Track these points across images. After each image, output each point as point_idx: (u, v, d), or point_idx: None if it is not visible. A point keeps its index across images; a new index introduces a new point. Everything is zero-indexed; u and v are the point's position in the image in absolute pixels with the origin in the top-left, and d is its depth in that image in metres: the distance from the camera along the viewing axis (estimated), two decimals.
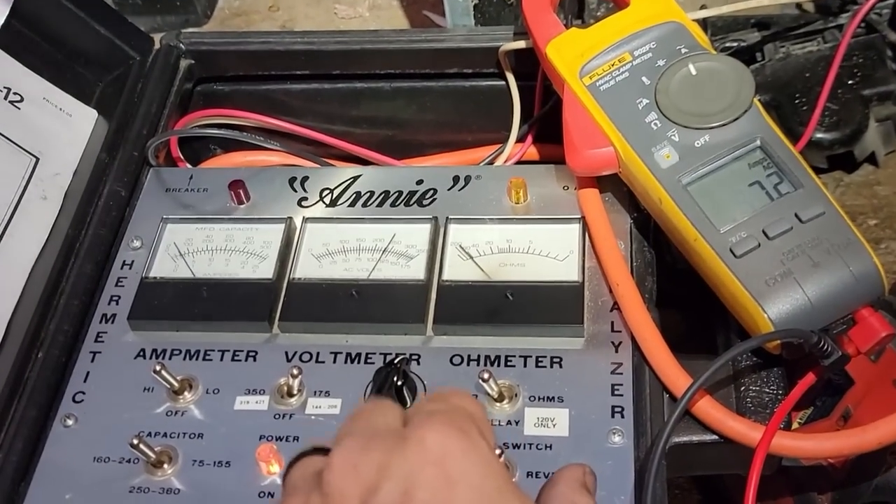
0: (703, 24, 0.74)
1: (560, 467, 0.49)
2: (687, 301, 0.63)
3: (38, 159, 0.68)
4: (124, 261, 0.65)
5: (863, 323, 0.53)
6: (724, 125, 0.57)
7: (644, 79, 0.60)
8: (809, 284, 0.52)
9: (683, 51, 0.60)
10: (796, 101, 0.77)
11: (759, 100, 0.77)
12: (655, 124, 0.58)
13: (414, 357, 0.58)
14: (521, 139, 0.74)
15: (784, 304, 0.52)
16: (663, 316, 0.60)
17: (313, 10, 1.10)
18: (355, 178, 0.67)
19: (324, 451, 0.44)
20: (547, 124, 0.73)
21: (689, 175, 0.56)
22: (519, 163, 0.74)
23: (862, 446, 0.51)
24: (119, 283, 0.64)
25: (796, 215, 0.54)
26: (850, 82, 0.77)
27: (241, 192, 0.66)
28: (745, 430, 0.52)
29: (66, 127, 0.71)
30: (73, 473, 0.55)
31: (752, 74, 0.78)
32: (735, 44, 0.80)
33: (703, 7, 0.75)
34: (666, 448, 0.51)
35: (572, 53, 0.62)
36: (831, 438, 0.51)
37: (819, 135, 0.76)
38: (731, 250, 0.54)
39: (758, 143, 0.57)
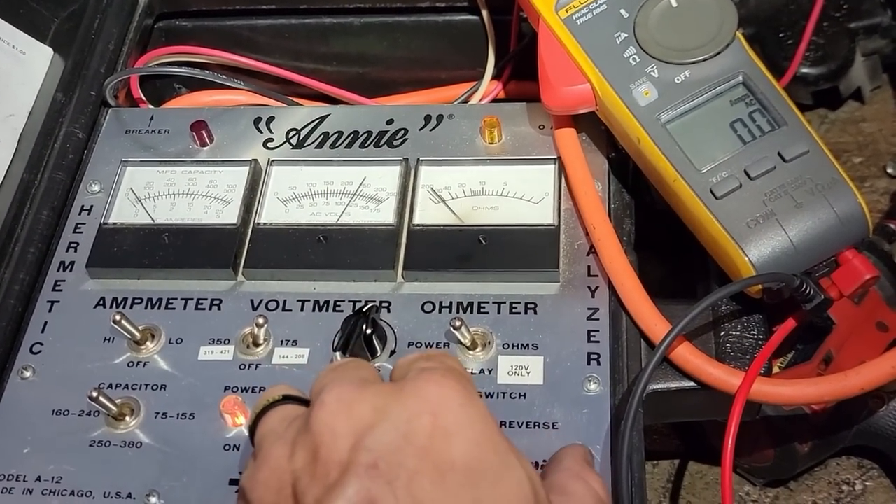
0: None
1: (560, 448, 0.48)
2: (667, 243, 0.61)
3: None
4: (82, 206, 0.62)
5: (846, 265, 0.51)
6: (705, 60, 0.55)
7: (623, 11, 0.57)
8: (792, 226, 0.50)
9: None
10: (781, 35, 0.74)
11: (743, 33, 0.75)
12: (634, 59, 0.56)
13: (384, 304, 0.56)
14: (497, 76, 0.72)
15: (766, 246, 0.50)
16: (642, 259, 0.58)
17: None
18: (323, 118, 0.65)
19: (296, 399, 0.43)
20: (524, 61, 0.70)
21: (668, 112, 0.54)
22: (495, 101, 0.71)
23: (844, 392, 0.50)
24: (77, 230, 0.61)
25: (779, 154, 0.52)
26: (836, 15, 0.75)
27: (203, 133, 0.64)
28: (724, 377, 0.51)
29: (19, 66, 0.68)
30: (32, 427, 0.53)
31: (736, 7, 0.76)
32: None
33: None
34: (643, 396, 0.50)
35: None
36: (813, 384, 0.50)
37: (804, 69, 0.74)
38: (711, 191, 0.52)
39: (740, 78, 0.54)
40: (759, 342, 0.53)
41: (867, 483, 0.64)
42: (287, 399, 0.43)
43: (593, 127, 0.61)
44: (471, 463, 0.37)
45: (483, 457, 0.38)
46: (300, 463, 0.38)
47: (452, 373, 0.40)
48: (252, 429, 0.43)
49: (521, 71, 0.71)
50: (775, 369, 0.58)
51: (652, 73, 0.55)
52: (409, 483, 0.36)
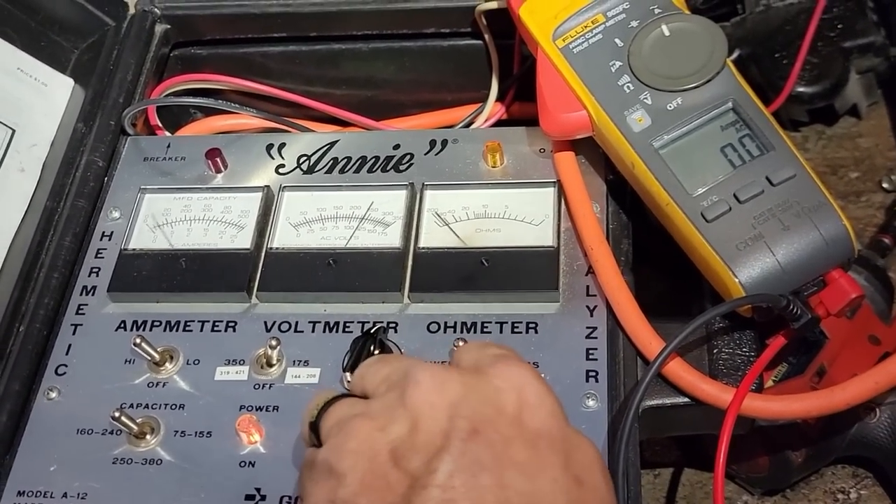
0: None
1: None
2: (666, 259, 0.63)
3: (14, 131, 0.68)
4: (103, 232, 0.65)
5: (833, 284, 0.53)
6: (696, 87, 0.57)
7: (617, 41, 0.60)
8: (780, 248, 0.52)
9: (657, 11, 0.60)
10: (777, 55, 0.76)
11: (740, 54, 0.77)
12: (628, 87, 0.58)
13: (391, 325, 0.58)
14: (500, 98, 0.74)
15: (754, 268, 0.52)
16: (643, 274, 0.60)
17: None
18: (332, 144, 0.67)
19: (349, 395, 0.47)
20: (527, 83, 0.72)
21: (661, 138, 0.56)
22: (499, 122, 0.74)
23: (831, 407, 0.52)
24: (99, 255, 0.64)
25: (767, 178, 0.54)
26: (830, 35, 0.76)
27: (218, 160, 0.66)
28: (716, 393, 0.53)
29: (41, 97, 0.71)
30: (58, 445, 0.56)
31: (733, 27, 0.78)
32: None
33: None
34: (638, 411, 0.52)
35: (546, 15, 0.61)
36: (801, 400, 0.52)
37: (800, 88, 0.76)
38: (702, 214, 0.54)
39: (730, 104, 0.57)
40: (751, 359, 0.55)
41: (862, 492, 0.66)
42: (344, 396, 0.47)
43: (592, 150, 0.63)
44: (552, 432, 0.42)
45: (560, 427, 0.43)
46: (396, 434, 0.42)
47: (521, 358, 0.46)
48: (315, 423, 0.46)
49: (525, 93, 0.73)
50: (769, 382, 0.60)
51: (645, 101, 0.57)
52: (507, 447, 0.41)
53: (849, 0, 0.77)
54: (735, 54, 0.78)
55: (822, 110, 0.79)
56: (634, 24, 0.59)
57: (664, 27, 0.59)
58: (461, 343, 0.55)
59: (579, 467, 0.42)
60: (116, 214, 0.66)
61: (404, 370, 0.44)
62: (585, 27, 0.60)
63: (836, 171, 0.79)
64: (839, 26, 0.77)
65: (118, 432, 0.56)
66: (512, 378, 0.43)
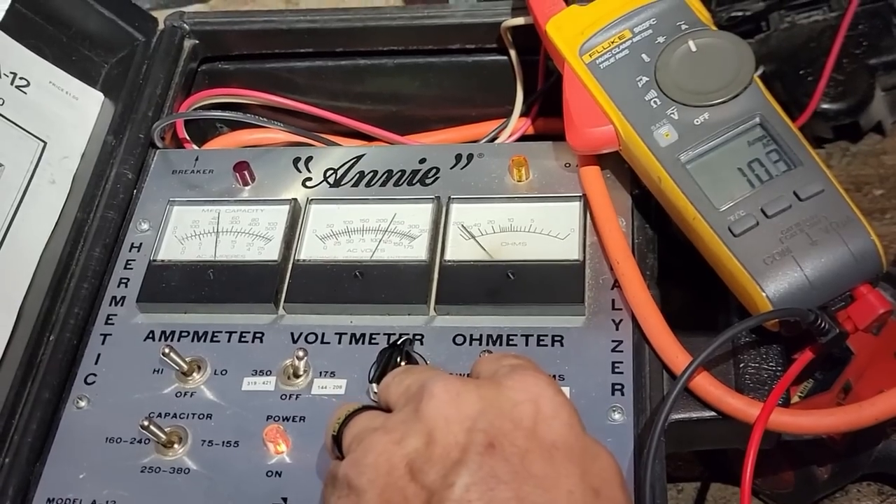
0: None
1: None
2: (692, 273, 0.63)
3: (45, 143, 0.69)
4: (132, 243, 0.66)
5: (861, 300, 0.53)
6: (723, 102, 0.57)
7: (644, 56, 0.60)
8: (807, 263, 0.52)
9: (683, 27, 0.60)
10: (801, 72, 0.76)
11: (764, 70, 0.77)
12: (655, 102, 0.58)
13: (417, 337, 0.59)
14: (525, 113, 0.75)
15: (782, 282, 0.52)
16: (668, 288, 0.60)
17: None
18: (359, 158, 0.68)
19: (370, 408, 0.47)
20: (551, 98, 0.73)
21: (688, 153, 0.56)
22: (523, 137, 0.74)
23: (859, 422, 0.52)
24: (128, 266, 0.65)
25: (795, 193, 0.54)
26: (855, 52, 0.77)
27: (246, 173, 0.67)
28: (742, 407, 0.53)
29: (72, 110, 0.72)
30: (87, 454, 0.57)
31: (757, 44, 0.79)
32: (740, 13, 0.79)
33: None
34: (665, 425, 0.52)
35: (572, 31, 0.62)
36: (828, 415, 0.52)
37: (825, 105, 0.76)
38: (729, 229, 0.54)
39: (757, 120, 0.57)
40: (778, 373, 0.55)
41: None
42: (365, 408, 0.47)
43: (618, 164, 0.63)
44: (569, 442, 0.42)
45: (577, 438, 0.43)
46: (412, 447, 0.42)
47: (539, 369, 0.46)
48: (337, 436, 0.46)
49: (549, 108, 0.74)
50: (795, 398, 0.60)
51: (672, 116, 0.58)
52: (523, 459, 0.41)
53: (874, 17, 0.77)
54: (759, 71, 0.78)
55: (847, 127, 0.79)
56: (661, 39, 0.60)
57: (691, 43, 0.59)
58: (485, 355, 0.55)
59: (597, 479, 0.42)
60: (145, 226, 0.66)
61: (422, 382, 0.44)
62: (612, 42, 0.61)
63: (861, 188, 0.79)
64: (864, 43, 0.77)
65: (146, 441, 0.57)
66: (528, 389, 0.43)
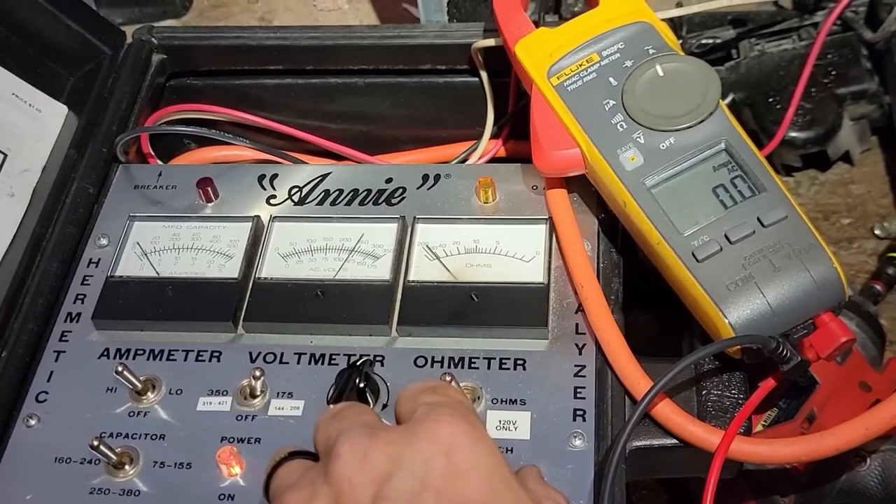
0: (679, 21, 0.74)
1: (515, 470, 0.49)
2: (659, 300, 0.63)
3: (6, 156, 0.68)
4: (91, 259, 0.64)
5: (823, 328, 0.53)
6: (689, 127, 0.57)
7: (611, 80, 0.60)
8: (770, 289, 0.52)
9: (651, 52, 0.60)
10: (770, 100, 0.77)
11: (734, 98, 0.78)
12: (622, 126, 0.58)
13: (378, 358, 0.58)
14: (495, 135, 0.74)
15: (744, 309, 0.52)
16: (635, 315, 0.60)
17: (292, 2, 1.09)
18: (325, 177, 0.67)
19: (303, 454, 0.45)
20: (522, 121, 0.72)
21: (653, 177, 0.56)
22: (494, 159, 0.74)
23: (819, 452, 0.51)
24: (85, 282, 0.63)
25: (759, 219, 0.54)
26: (824, 81, 0.77)
27: (209, 189, 0.66)
28: (703, 435, 0.52)
29: (35, 123, 0.71)
30: (35, 474, 0.55)
31: (727, 72, 0.79)
32: (710, 41, 0.79)
33: (678, 5, 0.74)
34: (625, 452, 0.51)
35: (541, 53, 0.62)
36: (789, 444, 0.51)
37: (793, 133, 0.76)
38: (693, 254, 0.54)
39: (722, 145, 0.57)
40: (740, 401, 0.54)
41: None
42: (294, 455, 0.45)
43: (584, 188, 0.63)
44: (486, 499, 0.39)
45: (497, 493, 0.39)
46: None
47: (461, 408, 0.41)
48: (266, 487, 0.44)
49: (520, 131, 0.73)
50: (758, 427, 0.60)
51: (638, 140, 0.57)
52: None
53: (843, 47, 0.78)
54: (729, 98, 0.78)
55: (815, 156, 0.79)
56: (629, 63, 0.60)
57: (658, 67, 0.59)
58: (447, 378, 0.54)
59: None
60: (104, 241, 0.65)
61: (335, 438, 0.41)
62: (580, 65, 0.61)
63: (829, 217, 0.79)
64: (833, 73, 0.77)
65: (97, 462, 0.55)
66: (442, 439, 0.39)
